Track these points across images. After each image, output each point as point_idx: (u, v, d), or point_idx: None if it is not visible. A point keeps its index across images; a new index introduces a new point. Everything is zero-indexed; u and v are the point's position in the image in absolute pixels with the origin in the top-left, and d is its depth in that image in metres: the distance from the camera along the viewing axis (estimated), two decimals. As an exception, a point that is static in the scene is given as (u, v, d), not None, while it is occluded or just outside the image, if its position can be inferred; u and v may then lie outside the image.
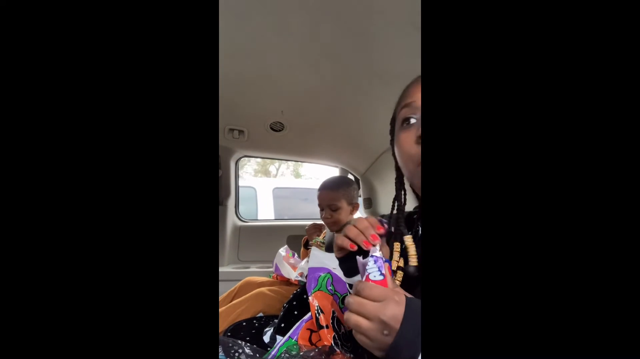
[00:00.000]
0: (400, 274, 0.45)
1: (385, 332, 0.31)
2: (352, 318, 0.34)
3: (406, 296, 0.33)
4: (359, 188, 1.71)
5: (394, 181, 0.52)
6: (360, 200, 1.71)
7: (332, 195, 1.16)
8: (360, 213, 1.32)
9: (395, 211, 0.51)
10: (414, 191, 0.53)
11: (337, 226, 1.17)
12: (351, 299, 0.34)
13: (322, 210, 1.19)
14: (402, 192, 0.51)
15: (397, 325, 0.31)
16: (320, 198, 1.18)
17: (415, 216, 0.55)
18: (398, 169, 0.51)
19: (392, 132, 0.50)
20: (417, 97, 0.42)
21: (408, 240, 0.45)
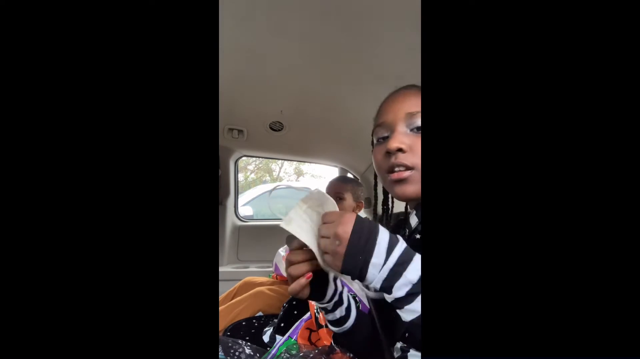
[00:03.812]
0: None
1: (337, 243, 0.36)
2: (320, 242, 0.39)
3: (358, 215, 0.38)
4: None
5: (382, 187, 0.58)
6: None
7: (340, 185, 1.24)
8: (361, 213, 1.34)
9: (384, 214, 0.58)
10: (389, 195, 0.59)
11: None
12: (321, 227, 0.40)
13: None
14: (389, 196, 0.58)
15: (347, 235, 0.36)
16: (329, 187, 1.26)
17: (401, 218, 0.60)
18: (376, 174, 0.57)
19: (373, 144, 0.55)
20: (387, 117, 0.48)
21: None
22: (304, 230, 0.40)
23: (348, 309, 0.50)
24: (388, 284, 0.35)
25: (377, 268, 0.35)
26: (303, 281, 0.41)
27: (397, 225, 0.59)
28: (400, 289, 0.34)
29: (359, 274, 0.36)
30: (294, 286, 0.42)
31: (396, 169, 0.45)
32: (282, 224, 0.40)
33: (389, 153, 0.46)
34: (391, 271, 0.35)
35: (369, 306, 0.61)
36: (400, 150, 0.44)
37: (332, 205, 0.41)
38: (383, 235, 0.36)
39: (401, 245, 0.36)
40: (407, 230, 0.52)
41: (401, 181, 0.45)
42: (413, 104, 0.46)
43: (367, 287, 0.52)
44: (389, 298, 0.36)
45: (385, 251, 0.35)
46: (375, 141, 0.51)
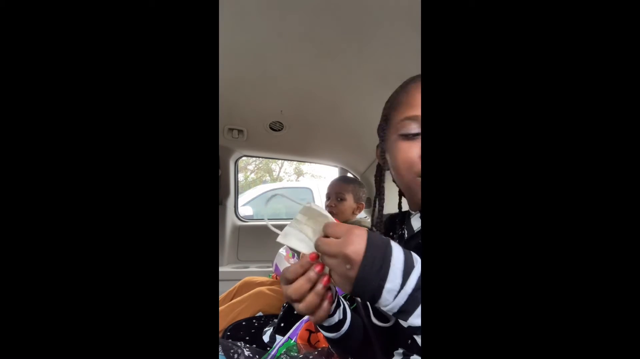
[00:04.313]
0: None
1: (348, 266, 0.32)
2: (324, 260, 0.34)
3: (368, 231, 0.33)
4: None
5: (374, 178, 0.52)
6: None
7: (342, 185, 1.25)
8: (361, 214, 1.35)
9: (377, 212, 0.51)
10: (403, 195, 0.53)
11: (339, 220, 1.19)
12: (318, 242, 0.35)
13: (328, 199, 1.27)
14: (382, 192, 0.52)
15: (359, 258, 0.31)
16: (330, 186, 1.28)
17: (397, 219, 0.55)
18: (380, 167, 0.51)
19: (383, 130, 0.49)
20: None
21: None
22: (304, 242, 0.37)
23: (344, 311, 0.48)
24: (405, 311, 0.31)
25: (392, 294, 0.31)
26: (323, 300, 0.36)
27: (392, 224, 0.55)
28: (419, 317, 0.30)
29: (371, 299, 0.32)
30: (313, 307, 0.36)
31: None
32: (279, 239, 0.38)
33: None
34: (410, 298, 0.31)
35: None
36: None
37: (330, 220, 0.38)
38: (398, 255, 0.32)
39: (419, 267, 0.32)
40: (407, 233, 0.50)
41: None
42: None
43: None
44: (403, 323, 0.32)
45: (401, 275, 0.31)
46: (397, 132, 0.44)
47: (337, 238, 0.34)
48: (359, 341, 0.50)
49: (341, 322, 0.46)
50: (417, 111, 0.41)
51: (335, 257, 0.33)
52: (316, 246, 0.35)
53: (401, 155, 0.43)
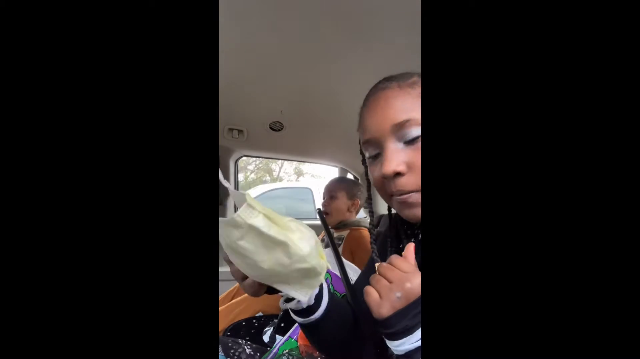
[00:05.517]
0: None
1: (398, 295, 0.33)
2: (374, 278, 0.36)
3: None
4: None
5: None
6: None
7: (334, 184, 1.32)
8: (361, 213, 1.36)
9: (393, 215, 0.53)
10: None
11: (332, 219, 1.29)
12: (381, 268, 0.36)
13: (324, 198, 1.36)
14: (370, 201, 0.54)
15: (413, 297, 0.33)
16: (325, 187, 1.36)
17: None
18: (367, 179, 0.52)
19: (363, 155, 0.49)
20: (373, 131, 0.41)
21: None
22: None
23: (320, 299, 0.45)
24: (409, 356, 0.33)
25: (410, 342, 0.33)
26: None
27: (403, 223, 0.54)
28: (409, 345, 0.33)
29: (391, 335, 0.34)
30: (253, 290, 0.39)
31: (399, 193, 0.40)
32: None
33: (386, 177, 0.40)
34: (415, 349, 0.33)
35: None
36: (398, 173, 0.39)
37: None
38: None
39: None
40: (419, 232, 0.49)
41: (409, 204, 0.40)
42: (398, 109, 0.39)
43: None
44: (393, 348, 0.34)
45: None
46: (367, 156, 0.45)
47: (401, 270, 0.35)
48: (341, 335, 0.48)
49: (311, 309, 0.44)
50: (369, 134, 0.42)
51: (392, 283, 0.34)
52: (378, 269, 0.37)
53: (372, 176, 0.44)
